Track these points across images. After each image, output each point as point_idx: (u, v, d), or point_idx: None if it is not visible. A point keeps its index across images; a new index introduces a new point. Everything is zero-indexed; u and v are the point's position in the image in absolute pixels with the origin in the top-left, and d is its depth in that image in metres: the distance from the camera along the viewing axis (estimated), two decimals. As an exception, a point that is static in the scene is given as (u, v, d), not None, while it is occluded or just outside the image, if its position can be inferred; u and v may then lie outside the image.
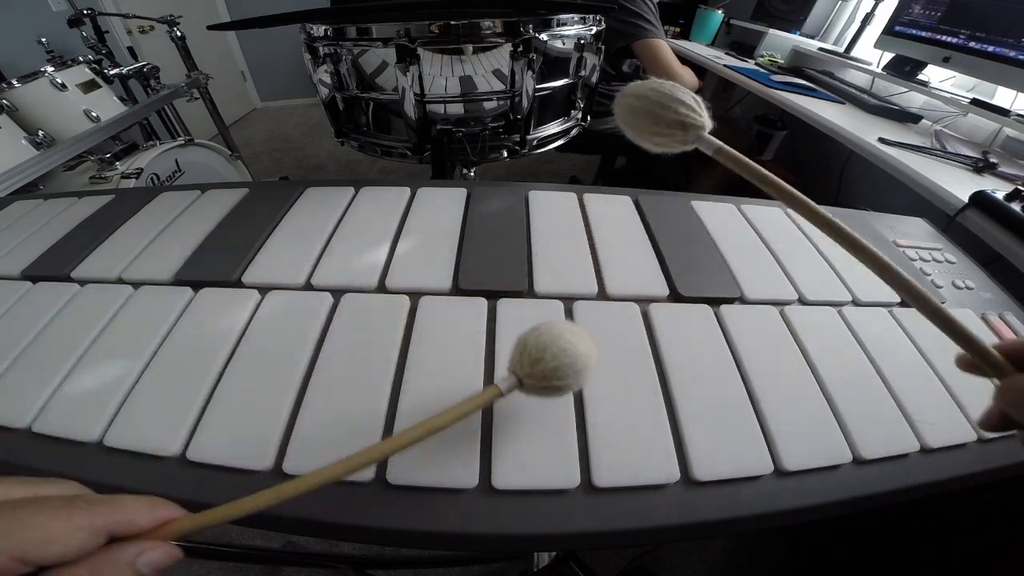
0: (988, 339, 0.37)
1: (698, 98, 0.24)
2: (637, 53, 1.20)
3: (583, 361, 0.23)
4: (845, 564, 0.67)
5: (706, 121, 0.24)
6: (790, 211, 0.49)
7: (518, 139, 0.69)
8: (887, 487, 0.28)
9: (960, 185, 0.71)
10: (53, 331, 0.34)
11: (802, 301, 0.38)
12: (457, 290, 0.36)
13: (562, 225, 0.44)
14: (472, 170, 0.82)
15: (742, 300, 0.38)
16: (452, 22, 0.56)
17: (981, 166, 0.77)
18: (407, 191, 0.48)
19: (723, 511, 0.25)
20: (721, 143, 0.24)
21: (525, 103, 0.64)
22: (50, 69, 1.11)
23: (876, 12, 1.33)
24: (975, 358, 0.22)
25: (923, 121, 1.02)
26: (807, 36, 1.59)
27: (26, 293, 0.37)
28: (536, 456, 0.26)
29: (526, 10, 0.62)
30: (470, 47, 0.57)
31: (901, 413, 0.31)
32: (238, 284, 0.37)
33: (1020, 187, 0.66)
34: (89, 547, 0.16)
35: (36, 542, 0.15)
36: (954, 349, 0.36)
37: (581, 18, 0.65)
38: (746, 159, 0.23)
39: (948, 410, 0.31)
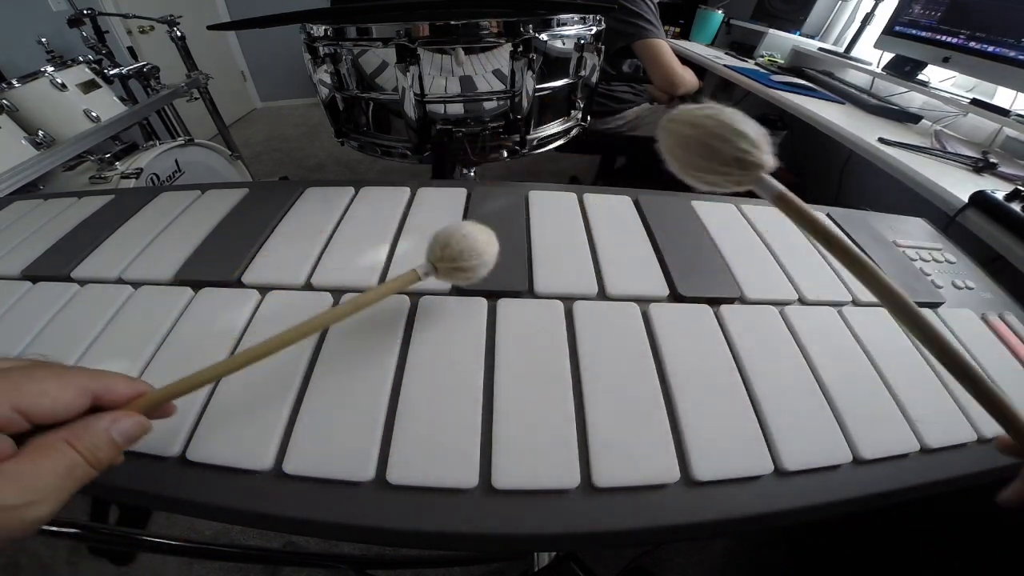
0: (988, 340, 0.37)
1: (762, 130, 0.20)
2: (637, 53, 1.20)
3: (482, 246, 0.28)
4: (845, 564, 0.67)
5: (768, 160, 0.20)
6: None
7: (518, 139, 0.69)
8: (887, 487, 0.28)
9: (960, 185, 0.71)
10: (53, 331, 0.34)
11: (802, 301, 0.38)
12: (457, 290, 0.36)
13: (562, 225, 0.44)
14: (472, 170, 0.82)
15: (742, 300, 0.38)
16: (452, 22, 0.56)
17: (981, 166, 0.77)
18: (407, 191, 0.48)
19: (723, 511, 0.25)
20: (783, 188, 0.20)
21: (525, 103, 0.64)
22: (50, 69, 1.11)
23: (876, 12, 1.33)
24: (1014, 439, 0.19)
25: (923, 121, 1.02)
26: (807, 36, 1.59)
27: (26, 293, 0.37)
28: (536, 456, 0.26)
29: (526, 10, 0.62)
30: (461, 52, 0.58)
31: (901, 413, 0.31)
32: (238, 284, 0.37)
33: (1020, 187, 0.66)
34: (76, 405, 0.19)
35: (34, 394, 0.17)
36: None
37: (581, 18, 0.65)
38: (810, 212, 0.19)
39: (948, 410, 0.31)
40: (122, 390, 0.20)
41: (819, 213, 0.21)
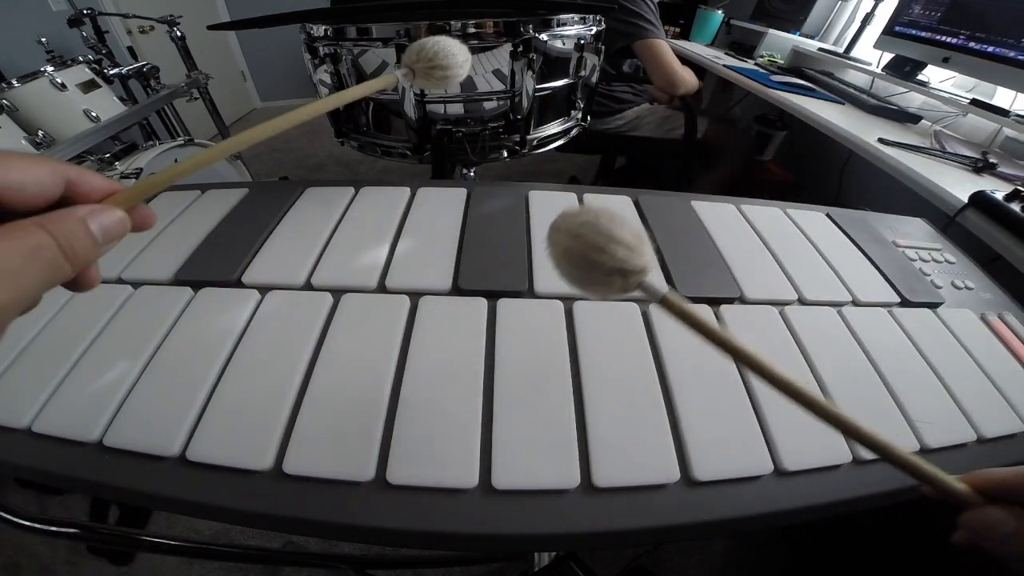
0: (988, 340, 0.37)
1: (638, 229, 0.19)
2: (637, 53, 1.20)
3: (455, 49, 0.30)
4: (845, 564, 0.67)
5: (648, 261, 0.19)
6: (790, 211, 0.50)
7: (518, 139, 0.69)
8: (886, 487, 0.28)
9: (960, 185, 0.71)
10: (53, 331, 0.34)
11: (802, 301, 0.38)
12: (457, 290, 0.36)
13: (562, 225, 0.44)
14: (472, 170, 0.82)
15: (742, 300, 0.38)
16: (452, 22, 0.56)
17: (981, 166, 0.77)
18: (407, 191, 0.48)
19: (723, 511, 0.25)
20: (666, 292, 0.19)
21: (525, 103, 0.64)
22: (50, 69, 1.11)
23: (876, 12, 1.33)
24: (939, 495, 0.19)
25: (923, 121, 1.02)
26: (807, 36, 1.59)
27: (26, 293, 0.37)
28: (536, 456, 0.26)
29: (526, 10, 0.62)
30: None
31: (901, 413, 0.31)
32: (238, 284, 0.37)
33: (1020, 187, 0.66)
34: (48, 184, 0.17)
35: (9, 168, 0.16)
36: (955, 350, 0.36)
37: (581, 18, 0.65)
38: (697, 316, 0.19)
39: (948, 410, 0.31)
40: (97, 183, 0.18)
41: (705, 315, 0.20)
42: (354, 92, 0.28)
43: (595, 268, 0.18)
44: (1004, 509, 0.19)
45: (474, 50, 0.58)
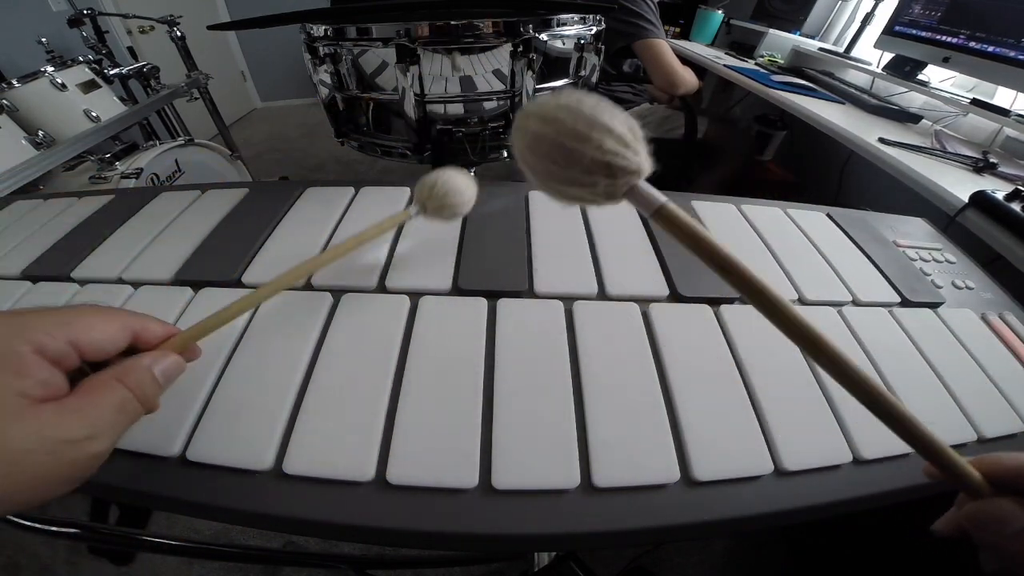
0: (988, 340, 0.37)
1: (633, 123, 0.16)
2: (637, 53, 1.20)
3: (463, 185, 0.34)
4: (845, 564, 0.67)
5: (644, 163, 0.16)
6: (790, 211, 0.50)
7: (518, 139, 0.69)
8: (887, 487, 0.28)
9: (960, 185, 0.71)
10: (53, 331, 0.34)
11: (802, 301, 0.38)
12: (457, 290, 0.36)
13: (562, 225, 0.44)
14: (472, 170, 0.82)
15: (742, 300, 0.38)
16: (452, 22, 0.56)
17: (981, 166, 0.77)
18: (407, 191, 0.48)
19: (723, 511, 0.25)
20: (665, 200, 0.16)
21: (525, 103, 0.64)
22: (50, 69, 1.11)
23: (876, 12, 1.33)
24: (950, 480, 0.17)
25: (923, 121, 1.02)
26: (807, 36, 1.59)
27: (26, 293, 0.37)
28: (536, 456, 0.26)
29: (526, 10, 0.62)
30: (458, 56, 0.58)
31: (901, 413, 0.31)
32: (238, 284, 0.37)
33: (1020, 187, 0.66)
34: (119, 339, 0.20)
35: (84, 328, 0.19)
36: (956, 350, 0.36)
37: (581, 18, 0.65)
38: (695, 228, 0.17)
39: (948, 410, 0.31)
40: (156, 330, 0.22)
41: (703, 230, 0.19)
42: (371, 233, 0.32)
43: (573, 161, 0.14)
44: (1016, 502, 0.16)
45: (474, 50, 0.59)
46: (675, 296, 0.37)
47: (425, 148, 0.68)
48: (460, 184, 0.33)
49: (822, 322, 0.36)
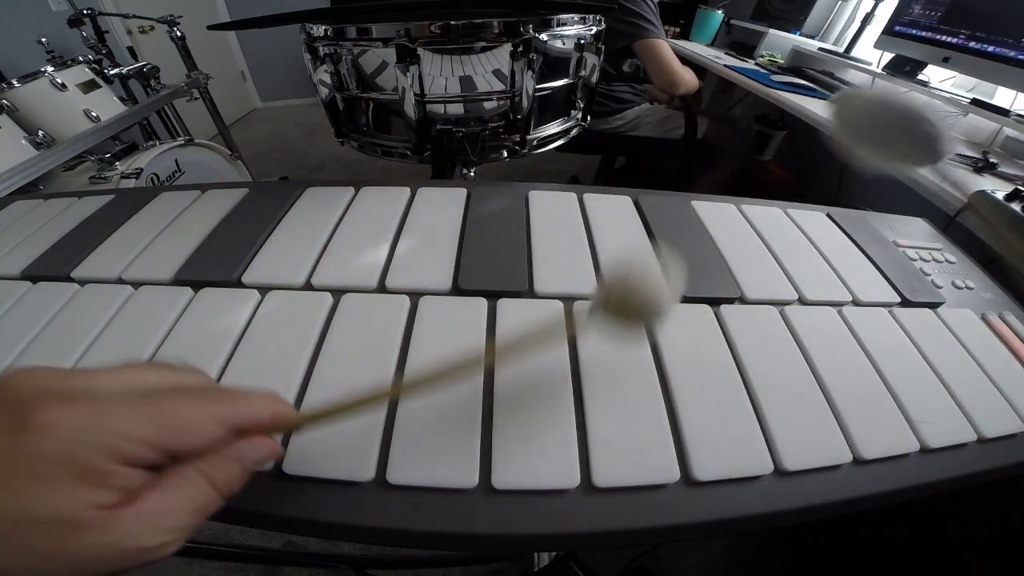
0: (988, 340, 0.37)
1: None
2: (637, 53, 1.20)
3: (658, 297, 0.22)
4: (845, 564, 0.67)
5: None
6: (790, 211, 0.50)
7: (518, 139, 0.69)
8: (887, 487, 0.28)
9: (960, 185, 0.71)
10: (53, 331, 0.34)
11: (802, 301, 0.38)
12: (457, 290, 0.36)
13: (562, 225, 0.44)
14: (472, 170, 0.82)
15: (742, 300, 0.38)
16: (452, 22, 0.56)
17: (981, 166, 0.77)
18: (407, 191, 0.48)
19: (723, 511, 0.25)
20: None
21: (525, 103, 0.64)
22: (50, 69, 1.11)
23: (876, 12, 1.33)
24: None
25: (923, 121, 1.02)
26: (807, 36, 1.59)
27: (26, 293, 0.37)
28: (536, 456, 0.26)
29: (526, 10, 0.62)
30: (469, 56, 0.58)
31: (901, 413, 0.31)
32: (238, 284, 0.37)
33: (1020, 187, 0.66)
34: (217, 439, 0.17)
35: (176, 430, 0.16)
36: (956, 350, 0.36)
37: (581, 18, 0.65)
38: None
39: (948, 410, 0.31)
40: (261, 418, 0.19)
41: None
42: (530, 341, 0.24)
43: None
44: None
45: (474, 50, 0.59)
46: (675, 296, 0.37)
47: (425, 148, 0.68)
48: (660, 289, 0.23)
49: (822, 322, 0.36)
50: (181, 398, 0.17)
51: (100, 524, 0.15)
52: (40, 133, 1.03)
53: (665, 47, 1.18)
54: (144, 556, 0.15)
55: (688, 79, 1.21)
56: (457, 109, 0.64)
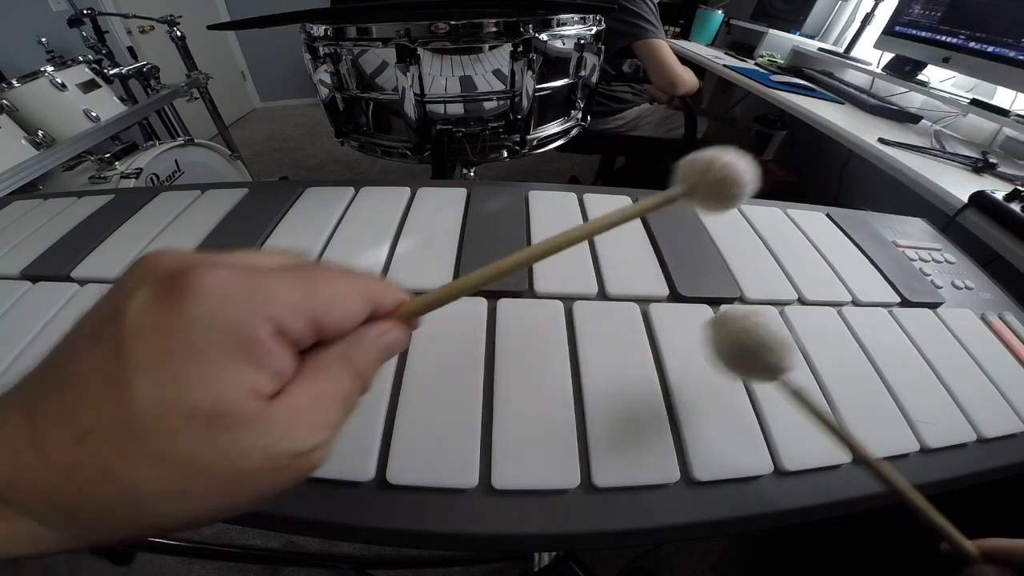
0: (988, 340, 0.37)
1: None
2: (637, 53, 1.20)
3: (745, 171, 0.24)
4: (845, 564, 0.67)
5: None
6: (790, 211, 0.50)
7: (518, 139, 0.69)
8: (887, 487, 0.27)
9: (960, 185, 0.71)
10: (53, 331, 0.34)
11: (802, 301, 0.38)
12: (457, 290, 0.36)
13: (562, 225, 0.44)
14: (472, 170, 0.82)
15: (742, 300, 0.38)
16: (452, 22, 0.56)
17: (981, 166, 0.77)
18: (407, 191, 0.48)
19: (723, 511, 0.25)
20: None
21: (525, 103, 0.64)
22: (50, 69, 1.11)
23: (876, 12, 1.33)
24: (949, 543, 0.23)
25: (923, 121, 1.02)
26: (807, 36, 1.59)
27: (26, 293, 0.37)
28: (536, 456, 0.26)
29: (526, 10, 0.62)
30: (469, 56, 0.57)
31: (901, 413, 0.31)
32: (238, 284, 0.37)
33: (1019, 187, 0.66)
34: (361, 316, 0.16)
35: (328, 303, 0.15)
36: (955, 350, 0.36)
37: (581, 18, 0.65)
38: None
39: (948, 410, 0.31)
40: (390, 301, 0.17)
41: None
42: (641, 207, 0.25)
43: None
44: (995, 568, 0.23)
45: (474, 50, 0.59)
46: (675, 296, 0.37)
47: (425, 148, 0.68)
48: (741, 165, 0.25)
49: (822, 322, 0.36)
50: (327, 271, 0.16)
51: (259, 419, 0.12)
52: (40, 133, 1.03)
53: (665, 47, 1.18)
54: (297, 466, 0.13)
55: (688, 79, 1.21)
56: (457, 109, 0.64)
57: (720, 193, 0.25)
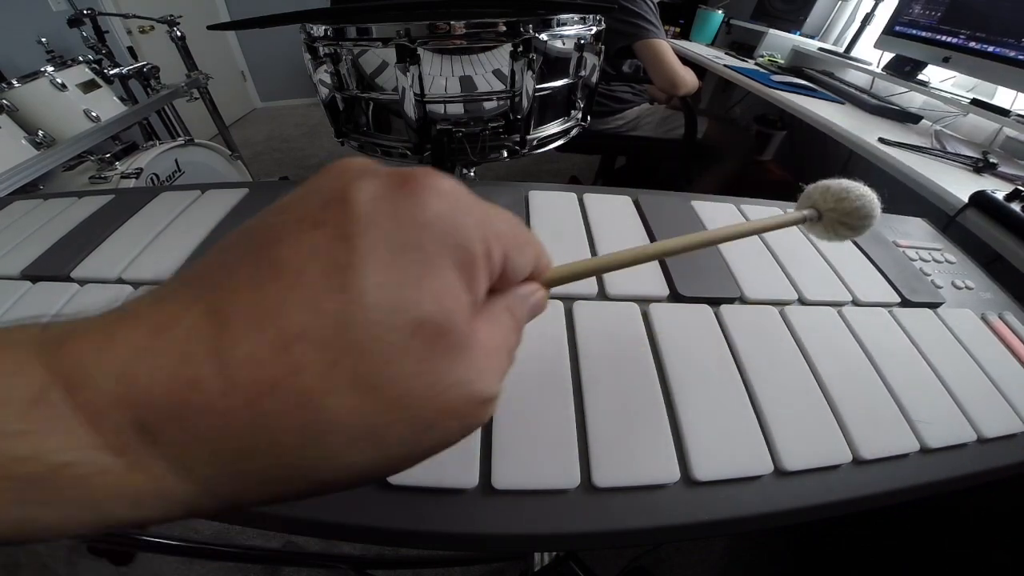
0: (988, 340, 0.37)
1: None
2: (638, 53, 1.20)
3: (878, 205, 0.26)
4: (845, 564, 0.67)
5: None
6: (790, 211, 0.49)
7: (518, 139, 0.69)
8: (887, 487, 0.28)
9: (960, 185, 0.71)
10: (53, 331, 0.34)
11: (802, 301, 0.38)
12: (457, 290, 0.36)
13: (562, 225, 0.44)
14: (472, 170, 0.82)
15: (742, 300, 0.38)
16: (452, 22, 0.56)
17: (981, 166, 0.77)
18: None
19: (723, 511, 0.25)
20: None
21: (525, 103, 0.64)
22: (50, 69, 1.11)
23: (876, 12, 1.33)
24: None
25: (923, 121, 1.02)
26: (807, 36, 1.59)
27: (26, 293, 0.37)
28: (536, 456, 0.26)
29: (526, 10, 0.62)
30: (469, 56, 0.57)
31: (901, 413, 0.31)
32: (238, 284, 0.37)
33: (1020, 187, 0.66)
34: (529, 269, 0.15)
35: (521, 244, 0.13)
36: (956, 350, 0.36)
37: (581, 18, 0.65)
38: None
39: (948, 410, 0.31)
40: (544, 264, 0.16)
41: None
42: (770, 223, 0.25)
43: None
44: None
45: (474, 50, 0.59)
46: (675, 296, 0.37)
47: (425, 148, 0.68)
48: (873, 200, 0.26)
49: (822, 322, 0.36)
50: (516, 220, 0.14)
51: (470, 346, 0.11)
52: (40, 133, 1.03)
53: (665, 47, 1.18)
54: (478, 416, 0.12)
55: (688, 79, 1.21)
56: (457, 109, 0.64)
57: (850, 223, 0.26)
